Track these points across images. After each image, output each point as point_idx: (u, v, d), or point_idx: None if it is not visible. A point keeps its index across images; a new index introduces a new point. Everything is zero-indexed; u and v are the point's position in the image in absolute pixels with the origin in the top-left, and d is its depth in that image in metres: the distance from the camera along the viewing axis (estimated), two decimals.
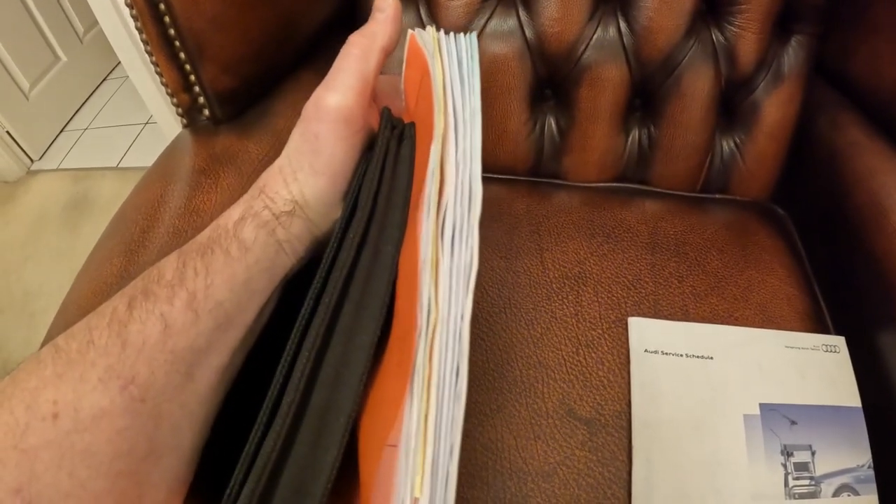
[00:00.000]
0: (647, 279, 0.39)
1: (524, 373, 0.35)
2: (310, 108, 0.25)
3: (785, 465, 0.35)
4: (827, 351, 0.40)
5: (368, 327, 0.20)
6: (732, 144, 0.48)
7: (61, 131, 1.55)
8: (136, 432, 0.20)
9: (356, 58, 0.25)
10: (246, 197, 0.25)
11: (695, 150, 0.46)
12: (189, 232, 0.37)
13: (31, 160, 1.45)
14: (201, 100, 0.42)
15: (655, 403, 0.35)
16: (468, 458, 0.33)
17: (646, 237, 0.41)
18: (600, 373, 0.35)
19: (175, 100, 0.42)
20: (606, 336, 0.37)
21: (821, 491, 0.35)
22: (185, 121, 0.43)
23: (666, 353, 0.37)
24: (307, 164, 0.25)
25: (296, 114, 0.43)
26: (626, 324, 0.38)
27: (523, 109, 0.45)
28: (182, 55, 0.40)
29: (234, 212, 0.24)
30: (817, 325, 0.42)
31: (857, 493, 0.36)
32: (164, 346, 0.21)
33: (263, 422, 0.19)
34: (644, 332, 0.37)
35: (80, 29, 1.58)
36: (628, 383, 0.35)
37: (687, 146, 0.46)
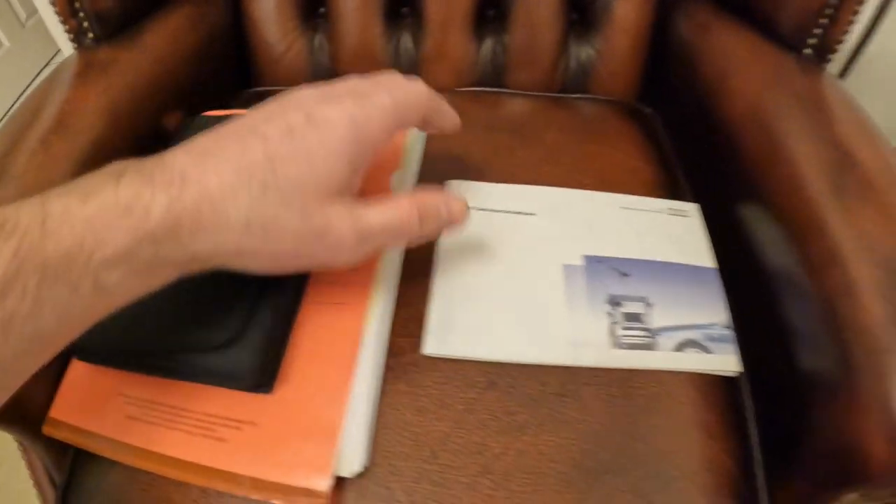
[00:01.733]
0: (476, 152, 0.38)
1: None
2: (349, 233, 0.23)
3: (611, 314, 0.32)
4: (674, 214, 0.37)
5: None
6: (588, 45, 0.47)
7: (3, 116, 1.52)
8: None
9: None
10: (148, 225, 0.19)
11: (546, 52, 0.46)
12: (65, 122, 0.39)
13: None
14: (86, 23, 0.45)
15: (464, 251, 0.33)
16: None
17: (483, 120, 0.41)
18: None
19: (66, 26, 0.46)
20: None
21: (658, 343, 0.32)
22: (75, 45, 0.47)
23: (482, 210, 0.35)
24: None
25: (169, 35, 0.46)
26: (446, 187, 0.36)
27: (377, 24, 0.47)
28: None
29: (113, 239, 0.18)
30: (665, 196, 0.39)
31: (707, 351, 0.33)
32: None
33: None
34: (462, 191, 0.36)
35: (23, 15, 1.58)
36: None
37: (538, 48, 0.46)
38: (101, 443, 0.27)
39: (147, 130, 0.42)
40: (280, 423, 0.26)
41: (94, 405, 0.28)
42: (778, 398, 0.35)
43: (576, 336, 0.31)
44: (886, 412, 0.28)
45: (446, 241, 0.34)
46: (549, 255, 0.33)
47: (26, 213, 0.18)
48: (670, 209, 0.37)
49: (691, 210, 0.38)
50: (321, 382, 0.27)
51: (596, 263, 0.34)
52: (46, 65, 1.74)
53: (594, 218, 0.36)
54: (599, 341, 0.31)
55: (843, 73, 0.59)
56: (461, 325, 0.31)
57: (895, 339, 0.29)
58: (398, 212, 0.24)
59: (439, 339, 0.30)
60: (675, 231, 0.36)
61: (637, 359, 0.31)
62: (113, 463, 0.27)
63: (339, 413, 0.26)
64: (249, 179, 0.20)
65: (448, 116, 0.29)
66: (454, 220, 0.26)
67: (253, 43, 0.48)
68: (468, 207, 0.27)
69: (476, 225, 0.34)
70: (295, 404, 0.27)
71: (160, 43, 0.43)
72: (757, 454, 0.35)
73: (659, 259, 0.35)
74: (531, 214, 0.35)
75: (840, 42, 0.42)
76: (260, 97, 0.49)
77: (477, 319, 0.31)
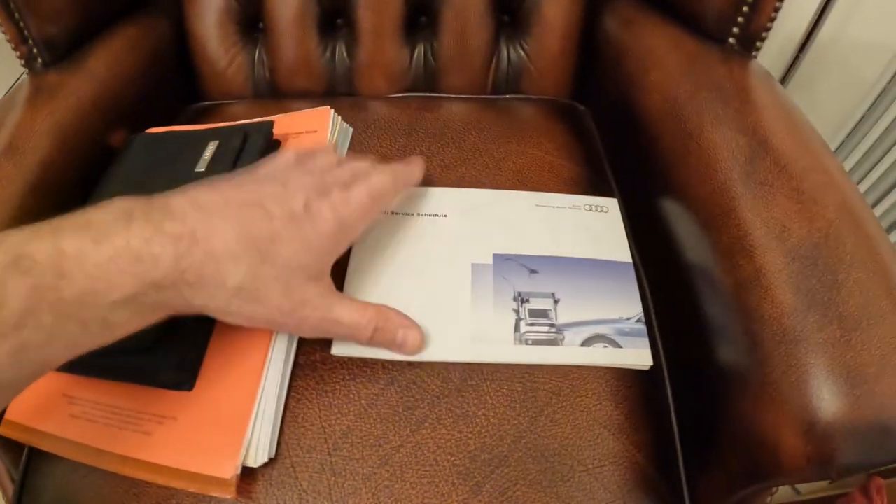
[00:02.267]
0: (395, 157, 0.38)
1: None
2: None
3: (517, 311, 0.32)
4: (592, 210, 0.37)
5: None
6: (518, 46, 0.47)
7: None
8: None
9: None
10: (156, 275, 0.20)
11: (477, 55, 0.46)
12: (15, 145, 0.40)
13: None
14: (35, 50, 0.47)
15: (374, 254, 0.33)
16: None
17: (406, 126, 0.41)
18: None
19: (18, 52, 0.47)
20: None
21: (564, 339, 0.32)
22: (27, 70, 0.49)
23: (395, 213, 0.35)
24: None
25: (111, 57, 0.47)
26: None
27: (312, 36, 0.47)
28: (16, 14, 0.46)
29: (122, 287, 0.20)
30: (587, 192, 0.39)
31: (617, 346, 0.32)
32: None
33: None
34: None
35: None
36: None
37: (468, 51, 0.46)
38: (48, 441, 0.29)
39: (92, 149, 0.43)
40: (197, 418, 0.27)
41: (42, 406, 0.30)
42: (696, 390, 0.34)
43: (478, 333, 0.31)
44: (796, 404, 0.27)
45: (359, 245, 0.34)
46: (458, 256, 0.33)
47: (41, 250, 0.19)
48: (588, 205, 0.37)
49: (610, 205, 0.37)
50: (234, 380, 0.28)
51: (504, 261, 0.33)
52: (17, 80, 1.75)
53: (507, 217, 0.35)
54: (502, 338, 0.31)
55: (794, 62, 0.58)
56: None
57: (805, 329, 0.28)
58: (360, 318, 0.27)
59: (345, 341, 0.30)
60: (591, 226, 0.36)
61: (540, 354, 0.31)
62: (60, 459, 0.29)
63: (248, 408, 0.27)
64: (250, 249, 0.22)
65: (412, 179, 0.33)
66: (405, 348, 0.29)
67: (196, 59, 0.49)
68: (423, 341, 0.29)
69: (389, 228, 0.34)
70: (211, 400, 0.28)
71: (102, 66, 0.45)
72: (677, 447, 0.34)
73: (571, 255, 0.34)
74: (443, 216, 0.35)
75: (766, 30, 0.41)
76: (205, 111, 0.50)
77: None
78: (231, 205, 0.23)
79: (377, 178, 0.28)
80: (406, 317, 0.29)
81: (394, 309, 0.29)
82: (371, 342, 0.28)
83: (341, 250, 0.27)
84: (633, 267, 0.35)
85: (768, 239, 0.31)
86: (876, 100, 0.58)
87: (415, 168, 0.33)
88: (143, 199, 0.22)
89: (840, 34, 0.56)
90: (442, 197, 0.36)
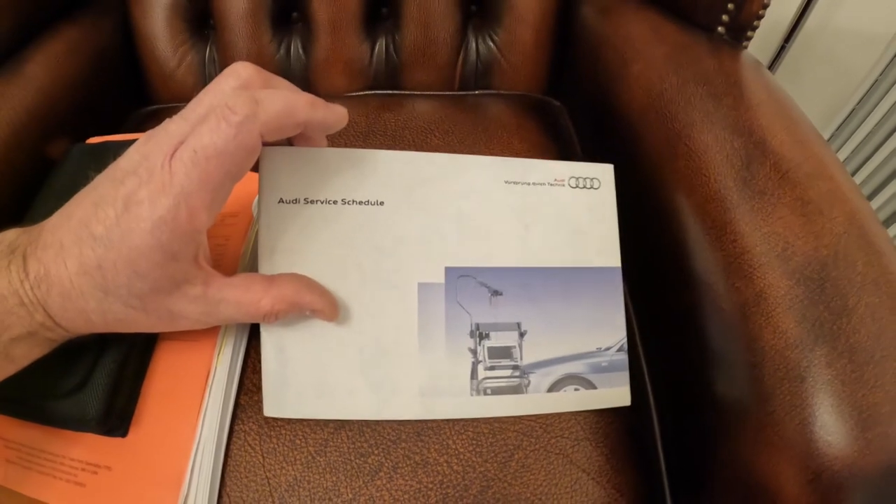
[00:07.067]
0: None
1: None
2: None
3: (474, 352, 0.24)
4: (578, 187, 0.26)
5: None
6: (488, 38, 0.39)
7: None
8: None
9: None
10: (37, 317, 0.18)
11: (443, 48, 0.38)
12: None
13: None
14: None
15: (287, 269, 0.23)
16: None
17: (363, 127, 0.33)
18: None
19: None
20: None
21: (529, 384, 0.24)
22: None
23: (310, 202, 0.23)
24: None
25: (49, 62, 0.39)
26: None
27: (265, 31, 0.39)
28: None
29: (16, 326, 0.18)
30: None
31: (591, 387, 0.25)
32: None
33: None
34: (280, 169, 0.22)
35: None
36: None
37: (434, 45, 0.38)
38: None
39: (28, 163, 0.35)
40: (131, 468, 0.23)
41: None
42: (687, 426, 0.27)
43: (428, 385, 0.23)
44: (800, 449, 0.21)
45: (266, 258, 0.23)
46: (399, 273, 0.24)
47: None
48: (574, 178, 0.26)
49: (602, 176, 0.26)
50: (169, 426, 0.24)
51: (461, 279, 0.25)
52: None
53: (464, 204, 0.24)
54: (457, 389, 0.23)
55: (779, 52, 0.49)
56: (297, 382, 0.23)
57: (812, 363, 0.22)
58: (255, 312, 0.21)
59: (276, 400, 0.23)
60: (576, 216, 0.26)
61: (500, 405, 0.24)
62: None
63: (184, 458, 0.23)
64: (91, 284, 0.18)
65: (328, 119, 0.21)
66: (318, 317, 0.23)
67: (144, 60, 0.41)
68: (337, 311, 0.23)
69: (304, 228, 0.23)
70: (145, 448, 0.24)
71: (40, 72, 0.37)
72: (665, 490, 0.28)
73: (545, 264, 0.25)
74: (379, 204, 0.24)
75: (759, 17, 0.33)
76: (155, 115, 0.42)
77: (313, 373, 0.23)
78: (72, 225, 0.18)
79: (206, 127, 0.18)
80: (316, 294, 0.22)
81: (300, 286, 0.22)
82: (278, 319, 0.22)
83: (189, 244, 0.19)
84: (620, 273, 0.26)
85: (770, 258, 0.24)
86: (867, 93, 0.50)
87: (331, 112, 0.21)
88: (30, 229, 0.19)
89: (827, 22, 0.48)
90: (377, 170, 0.24)
